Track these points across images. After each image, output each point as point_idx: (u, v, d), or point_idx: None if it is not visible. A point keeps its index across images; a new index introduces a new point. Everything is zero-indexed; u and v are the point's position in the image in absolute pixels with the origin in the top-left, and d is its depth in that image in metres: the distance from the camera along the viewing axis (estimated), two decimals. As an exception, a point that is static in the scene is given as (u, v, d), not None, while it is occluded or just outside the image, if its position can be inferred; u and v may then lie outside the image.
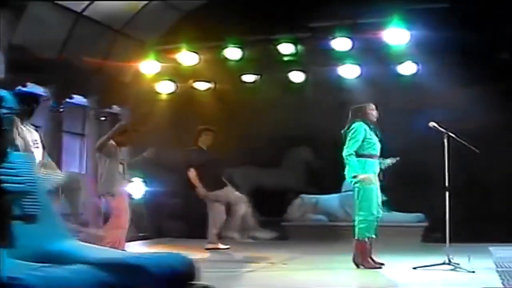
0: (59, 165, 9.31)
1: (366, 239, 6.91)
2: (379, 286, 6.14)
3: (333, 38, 10.84)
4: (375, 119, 7.21)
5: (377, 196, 7.05)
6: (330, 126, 11.08)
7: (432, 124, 7.01)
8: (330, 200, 10.65)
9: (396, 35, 10.54)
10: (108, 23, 10.63)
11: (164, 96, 12.28)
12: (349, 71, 11.35)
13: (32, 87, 9.78)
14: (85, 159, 10.74)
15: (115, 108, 11.76)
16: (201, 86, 12.19)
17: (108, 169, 7.88)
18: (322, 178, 11.26)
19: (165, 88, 12.19)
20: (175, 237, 11.36)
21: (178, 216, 12.50)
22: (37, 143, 6.54)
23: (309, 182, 11.54)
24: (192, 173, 9.15)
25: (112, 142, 7.93)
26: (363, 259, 6.88)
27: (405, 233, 9.51)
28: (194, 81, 12.11)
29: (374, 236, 7.05)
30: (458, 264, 6.66)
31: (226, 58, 11.36)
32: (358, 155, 6.96)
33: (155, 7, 10.91)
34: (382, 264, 7.07)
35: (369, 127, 7.10)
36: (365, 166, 6.94)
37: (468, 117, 10.68)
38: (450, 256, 6.69)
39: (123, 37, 11.06)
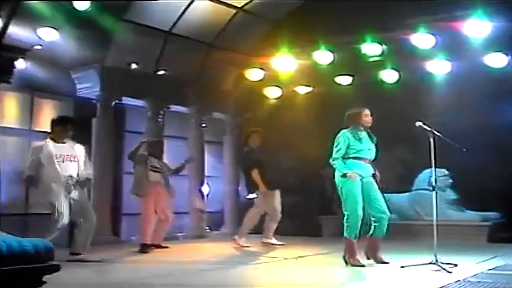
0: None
1: (353, 238, 7.06)
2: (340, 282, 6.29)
3: (419, 35, 10.76)
4: (369, 125, 7.22)
5: (362, 195, 7.04)
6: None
7: (418, 123, 6.90)
8: (400, 198, 10.53)
9: (480, 27, 10.18)
10: (198, 38, 11.69)
11: (272, 101, 13.08)
12: (439, 67, 11.15)
13: (129, 101, 11.24)
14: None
15: (217, 115, 12.79)
16: (302, 90, 12.77)
17: (136, 174, 9.07)
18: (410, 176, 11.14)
19: (272, 93, 13.02)
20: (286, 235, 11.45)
21: (293, 214, 13.05)
22: (71, 158, 7.67)
23: (404, 180, 11.36)
24: (255, 172, 9.57)
25: (143, 152, 9.08)
26: (350, 256, 7.02)
27: (468, 233, 9.15)
28: (296, 86, 12.71)
29: (378, 235, 7.19)
30: (447, 264, 6.56)
31: (318, 62, 11.76)
32: (344, 158, 7.12)
33: (242, 18, 11.75)
34: (386, 263, 7.12)
35: (356, 134, 7.14)
36: (348, 165, 7.05)
37: None
38: (438, 256, 6.62)
39: (217, 48, 12.05)
